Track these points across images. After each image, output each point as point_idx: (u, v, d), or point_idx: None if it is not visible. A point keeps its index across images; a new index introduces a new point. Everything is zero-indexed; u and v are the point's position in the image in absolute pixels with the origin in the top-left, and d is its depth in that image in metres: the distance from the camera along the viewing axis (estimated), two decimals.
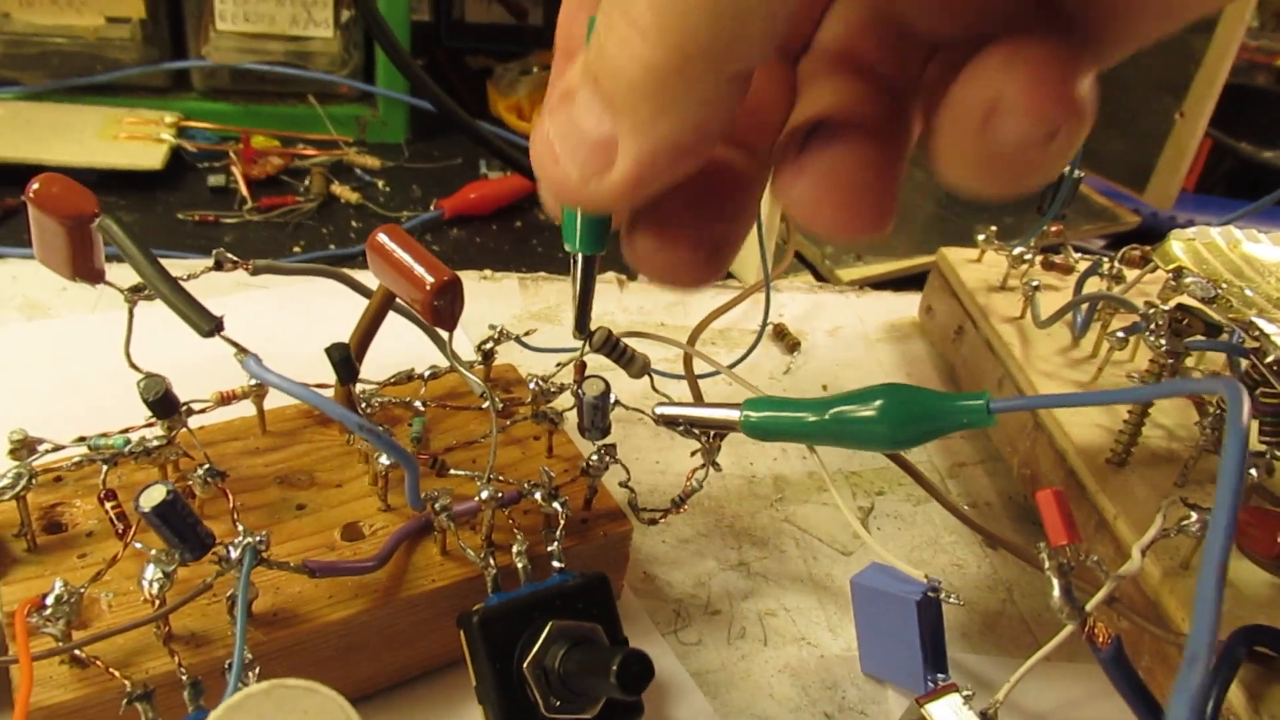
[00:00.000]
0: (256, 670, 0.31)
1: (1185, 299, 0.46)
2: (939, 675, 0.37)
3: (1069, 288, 0.58)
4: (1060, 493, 0.35)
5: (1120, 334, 0.47)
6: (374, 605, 0.36)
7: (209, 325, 0.33)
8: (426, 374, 0.46)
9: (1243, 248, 0.50)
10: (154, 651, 0.33)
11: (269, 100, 0.82)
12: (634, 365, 0.43)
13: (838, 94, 0.24)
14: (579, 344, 0.41)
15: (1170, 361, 0.43)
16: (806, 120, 0.24)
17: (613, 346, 0.42)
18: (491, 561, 0.37)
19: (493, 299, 0.64)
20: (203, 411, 0.40)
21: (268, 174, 0.75)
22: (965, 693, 0.35)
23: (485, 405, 0.41)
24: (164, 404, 0.37)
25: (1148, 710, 0.34)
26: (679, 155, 0.21)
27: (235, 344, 0.34)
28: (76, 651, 0.32)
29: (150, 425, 0.38)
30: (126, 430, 0.39)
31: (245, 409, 0.42)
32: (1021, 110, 0.20)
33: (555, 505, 0.38)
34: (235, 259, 0.38)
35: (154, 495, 0.30)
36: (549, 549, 0.38)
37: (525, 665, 0.34)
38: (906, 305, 0.70)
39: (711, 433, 0.40)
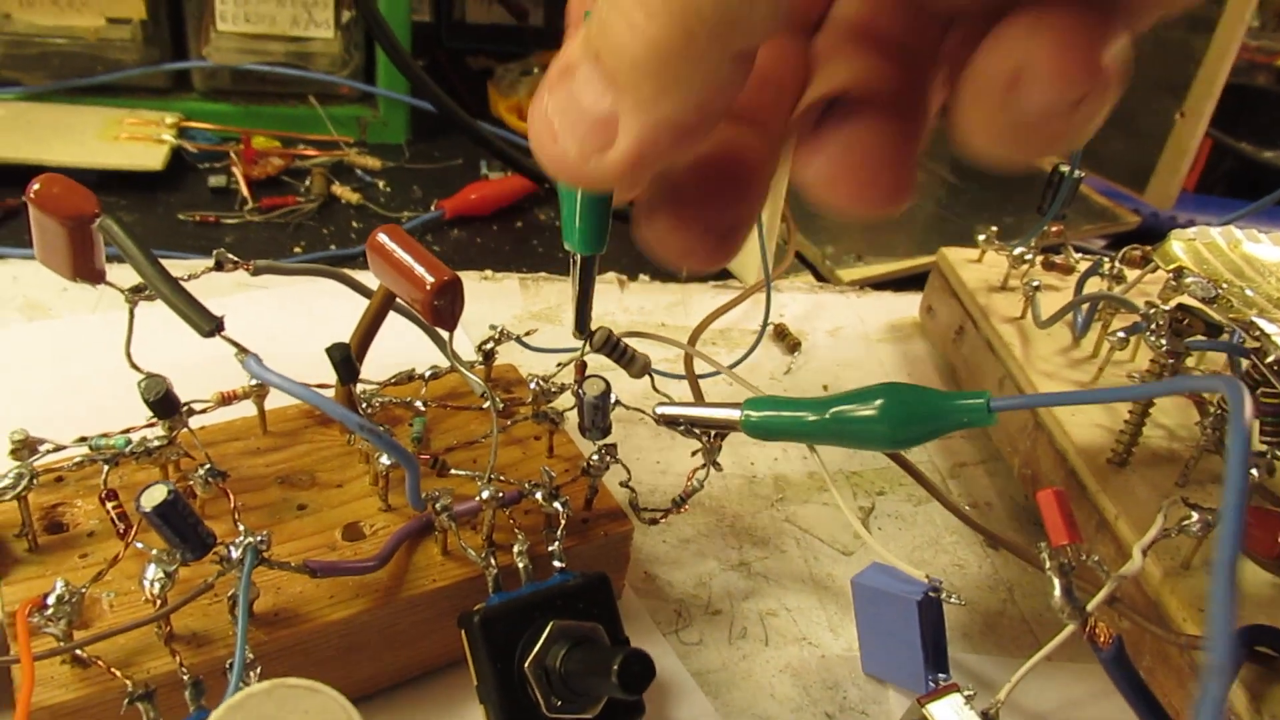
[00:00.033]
0: (258, 670, 0.31)
1: (1186, 299, 0.46)
2: (940, 675, 0.37)
3: (1069, 288, 0.58)
4: (1061, 493, 0.35)
5: (1121, 334, 0.47)
6: (375, 605, 0.36)
7: (210, 325, 0.34)
8: (427, 374, 0.46)
9: (1243, 248, 0.50)
10: (155, 651, 0.33)
11: (270, 101, 0.82)
12: (634, 365, 0.43)
13: (855, 68, 0.23)
14: (579, 344, 0.41)
15: (1171, 362, 0.43)
16: (823, 96, 0.24)
17: (613, 346, 0.42)
18: (492, 561, 0.37)
19: (493, 299, 0.64)
20: (204, 412, 0.40)
21: (268, 174, 0.75)
22: (966, 693, 0.35)
23: (486, 405, 0.41)
24: (165, 404, 0.37)
25: (1149, 710, 0.34)
26: (681, 134, 0.21)
27: (236, 344, 0.34)
28: (78, 651, 0.32)
29: (151, 425, 0.38)
30: (127, 430, 0.39)
31: (246, 409, 0.42)
32: (1047, 77, 0.19)
33: (556, 505, 0.38)
34: (236, 259, 0.38)
35: (155, 495, 0.30)
36: (550, 549, 0.38)
37: (526, 665, 0.34)
38: (907, 305, 0.70)
39: (712, 432, 0.40)
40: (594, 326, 0.37)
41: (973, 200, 0.87)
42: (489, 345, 0.46)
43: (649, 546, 0.47)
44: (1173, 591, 0.39)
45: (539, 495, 0.38)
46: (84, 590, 0.32)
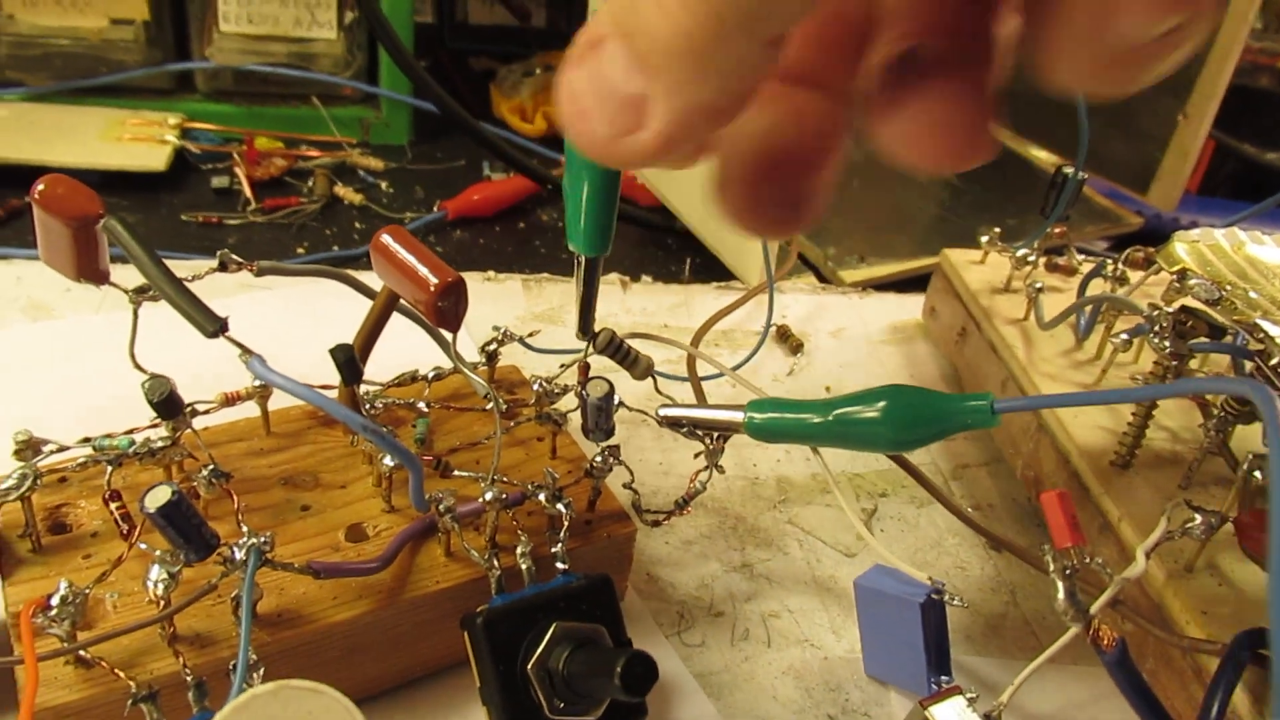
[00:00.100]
0: (261, 671, 0.31)
1: (1189, 301, 0.46)
2: (943, 677, 0.37)
3: (1072, 289, 0.58)
4: (1065, 495, 0.35)
5: (1124, 336, 0.47)
6: (378, 606, 0.36)
7: (213, 326, 0.34)
8: (430, 375, 0.46)
9: (1246, 249, 0.50)
10: (159, 652, 0.33)
11: (272, 102, 0.82)
12: (638, 367, 0.43)
13: (924, 21, 0.22)
14: (583, 345, 0.41)
15: (1174, 363, 0.43)
16: (895, 52, 0.23)
17: (616, 348, 0.42)
18: (495, 563, 0.37)
19: (496, 300, 0.64)
20: (207, 412, 0.40)
21: (271, 175, 0.75)
22: (969, 695, 0.35)
23: (489, 406, 0.41)
24: (168, 405, 0.37)
25: (1152, 713, 0.34)
26: (712, 117, 0.21)
27: (240, 345, 0.34)
28: (82, 652, 0.32)
29: (155, 426, 0.38)
30: (131, 431, 0.39)
31: (250, 410, 0.42)
32: (1142, 4, 0.19)
33: (559, 506, 0.38)
34: (239, 260, 0.38)
35: (159, 496, 0.30)
36: (553, 550, 0.38)
37: (529, 667, 0.34)
38: (910, 307, 0.70)
39: (715, 434, 0.40)
40: (597, 328, 0.37)
41: (975, 201, 0.87)
42: (492, 346, 0.46)
43: (652, 548, 0.47)
44: (1176, 594, 0.39)
45: (542, 497, 0.38)
46: (87, 591, 0.32)
